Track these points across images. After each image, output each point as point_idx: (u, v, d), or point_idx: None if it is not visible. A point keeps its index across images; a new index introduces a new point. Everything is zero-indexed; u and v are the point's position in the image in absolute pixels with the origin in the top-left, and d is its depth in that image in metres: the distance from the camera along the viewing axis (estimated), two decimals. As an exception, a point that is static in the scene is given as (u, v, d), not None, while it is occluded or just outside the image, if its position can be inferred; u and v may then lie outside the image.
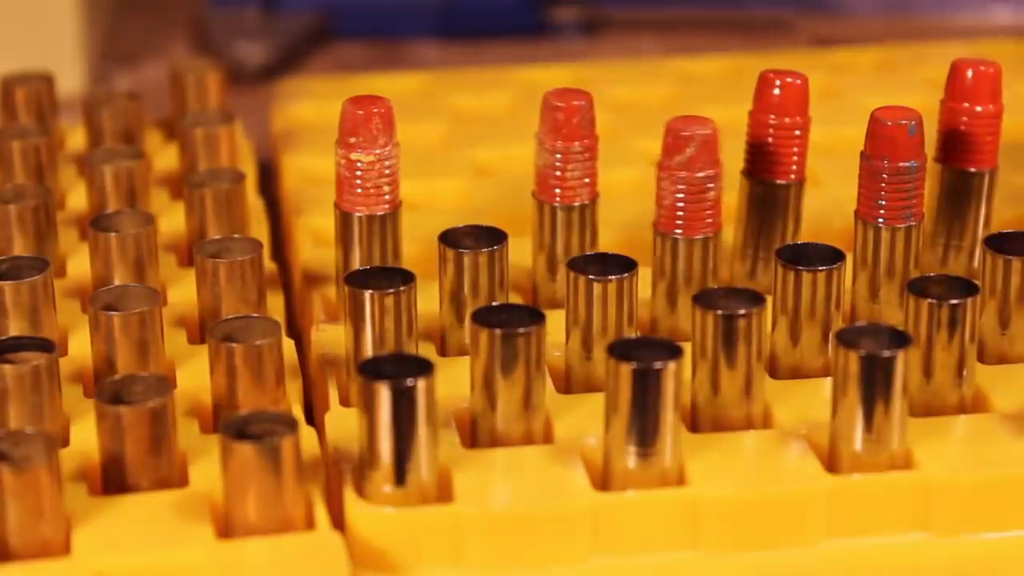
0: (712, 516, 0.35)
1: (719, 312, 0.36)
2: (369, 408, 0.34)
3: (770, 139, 0.42)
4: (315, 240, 0.46)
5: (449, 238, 0.40)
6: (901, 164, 0.40)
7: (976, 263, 0.43)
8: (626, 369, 0.34)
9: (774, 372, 0.39)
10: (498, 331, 0.36)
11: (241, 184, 0.45)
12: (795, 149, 0.42)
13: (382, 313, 0.38)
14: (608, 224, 0.44)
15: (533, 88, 0.54)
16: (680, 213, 0.40)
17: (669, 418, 0.35)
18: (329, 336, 0.41)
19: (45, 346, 0.37)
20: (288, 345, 0.40)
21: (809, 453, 0.36)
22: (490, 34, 0.69)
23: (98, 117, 0.50)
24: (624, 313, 0.38)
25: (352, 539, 0.35)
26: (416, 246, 0.44)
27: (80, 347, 0.40)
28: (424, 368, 0.34)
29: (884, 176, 0.40)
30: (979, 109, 0.42)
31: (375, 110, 0.41)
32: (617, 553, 0.35)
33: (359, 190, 0.41)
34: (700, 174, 0.39)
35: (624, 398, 0.34)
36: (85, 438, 0.37)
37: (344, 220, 0.41)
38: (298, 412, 0.38)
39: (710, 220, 0.40)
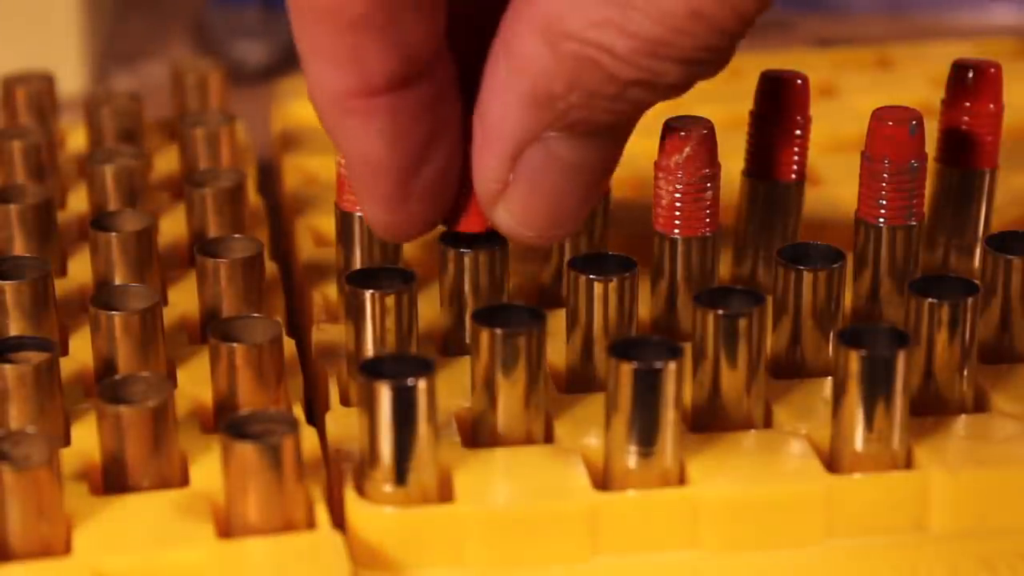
0: (712, 516, 0.35)
1: (719, 312, 0.36)
2: (370, 408, 0.34)
3: (771, 139, 0.42)
4: (315, 240, 0.46)
5: (449, 238, 0.40)
6: (902, 164, 0.40)
7: (977, 263, 0.43)
8: (627, 369, 0.34)
9: (774, 372, 0.39)
10: (498, 331, 0.36)
11: (241, 184, 0.45)
12: (795, 149, 0.42)
13: (382, 313, 0.38)
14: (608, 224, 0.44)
15: (533, 88, 0.54)
16: (678, 213, 0.40)
17: (669, 418, 0.35)
18: (329, 335, 0.41)
19: (45, 346, 0.37)
20: (288, 345, 0.40)
21: (809, 453, 0.36)
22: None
23: (99, 117, 0.50)
24: (624, 313, 0.38)
25: (353, 539, 0.35)
26: (416, 246, 0.44)
27: (80, 347, 0.40)
28: (424, 368, 0.34)
29: (885, 176, 0.40)
30: (980, 108, 0.42)
31: (375, 110, 0.41)
32: (617, 553, 0.35)
33: (359, 190, 0.41)
34: (698, 174, 0.39)
35: (624, 398, 0.34)
36: (85, 438, 0.37)
37: (344, 220, 0.41)
38: (298, 412, 0.38)
39: (708, 220, 0.40)
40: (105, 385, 0.35)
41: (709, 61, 0.33)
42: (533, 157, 0.35)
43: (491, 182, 0.36)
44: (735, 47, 0.33)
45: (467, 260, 0.40)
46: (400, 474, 0.34)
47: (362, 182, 0.37)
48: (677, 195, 0.39)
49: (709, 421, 0.37)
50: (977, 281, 0.38)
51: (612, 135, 0.36)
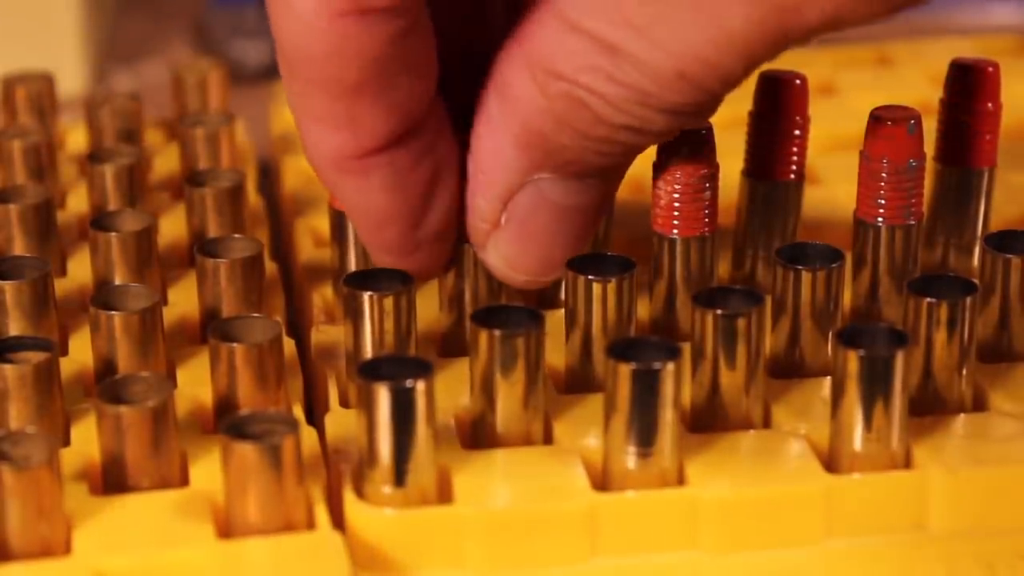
0: (712, 516, 0.35)
1: (719, 312, 0.36)
2: (369, 409, 0.34)
3: (770, 138, 0.42)
4: (315, 240, 0.46)
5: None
6: (900, 163, 0.40)
7: (976, 262, 0.43)
8: (626, 369, 0.34)
9: (773, 372, 0.39)
10: (497, 332, 0.36)
11: (241, 184, 0.45)
12: (794, 149, 0.42)
13: (381, 314, 0.38)
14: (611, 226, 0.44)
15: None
16: (677, 213, 0.40)
17: (669, 418, 0.35)
18: (329, 336, 0.41)
19: (45, 346, 0.37)
20: (288, 345, 0.40)
21: (808, 453, 0.36)
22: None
23: (99, 117, 0.50)
24: (624, 313, 0.38)
25: (352, 540, 0.35)
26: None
27: (80, 347, 0.40)
28: (423, 369, 0.34)
29: (883, 175, 0.40)
30: (979, 107, 0.42)
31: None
32: (617, 553, 0.35)
33: (359, 190, 0.41)
34: (696, 174, 0.39)
35: (624, 398, 0.34)
36: (85, 438, 0.37)
37: (338, 220, 0.41)
38: (298, 412, 0.38)
39: (707, 220, 0.40)
40: (105, 385, 0.36)
41: (696, 113, 0.34)
42: (524, 199, 0.35)
43: (481, 222, 0.36)
44: (721, 100, 0.34)
45: (467, 260, 0.39)
46: (399, 476, 0.34)
47: (369, 235, 0.37)
48: (675, 195, 0.39)
49: (708, 421, 0.37)
50: (976, 280, 0.38)
51: (603, 177, 0.36)
